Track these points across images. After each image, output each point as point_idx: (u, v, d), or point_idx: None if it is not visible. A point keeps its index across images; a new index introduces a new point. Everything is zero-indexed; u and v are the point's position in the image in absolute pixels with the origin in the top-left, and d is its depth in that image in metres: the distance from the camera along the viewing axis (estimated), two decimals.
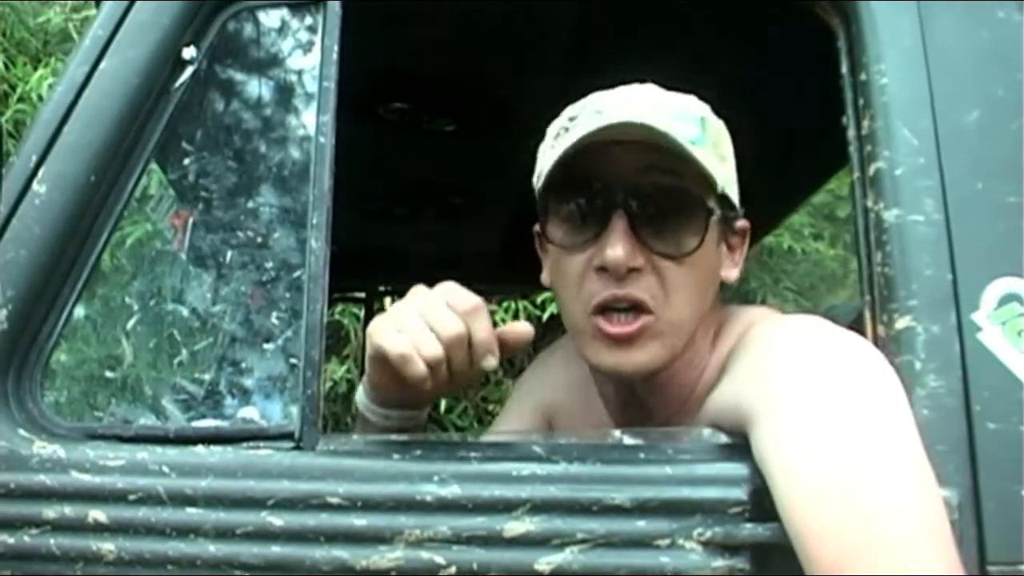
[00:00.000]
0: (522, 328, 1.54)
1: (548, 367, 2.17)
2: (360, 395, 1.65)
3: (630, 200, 1.59)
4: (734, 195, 1.69)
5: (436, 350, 1.45)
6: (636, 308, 1.60)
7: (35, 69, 6.07)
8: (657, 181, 1.60)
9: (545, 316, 6.03)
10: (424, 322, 1.46)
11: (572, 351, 1.94)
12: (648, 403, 1.73)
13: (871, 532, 1.28)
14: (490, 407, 6.26)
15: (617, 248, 1.57)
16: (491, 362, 1.47)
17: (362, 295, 3.55)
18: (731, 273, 1.73)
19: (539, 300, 6.00)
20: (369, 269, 2.87)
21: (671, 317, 1.62)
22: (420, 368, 1.45)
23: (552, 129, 1.70)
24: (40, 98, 5.77)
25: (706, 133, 1.62)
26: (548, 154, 1.66)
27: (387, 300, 3.63)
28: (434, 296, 1.49)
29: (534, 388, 2.15)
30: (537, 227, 1.74)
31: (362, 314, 4.00)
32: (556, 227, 1.66)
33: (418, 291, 1.51)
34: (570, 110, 1.68)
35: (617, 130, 1.56)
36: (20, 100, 5.90)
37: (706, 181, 1.61)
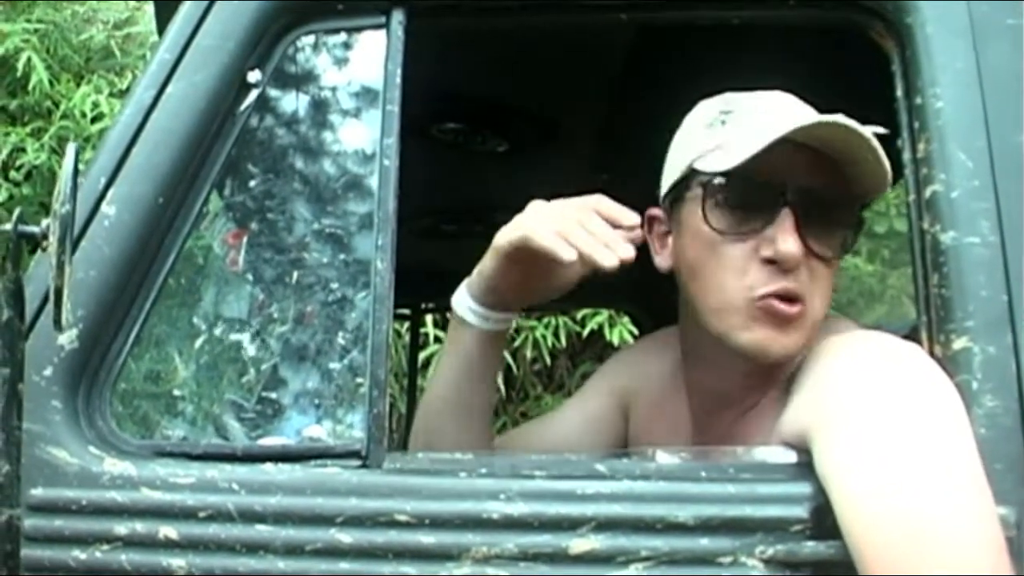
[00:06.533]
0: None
1: (632, 355, 2.26)
2: (461, 297, 1.82)
3: (798, 197, 1.64)
4: None
5: (587, 241, 1.62)
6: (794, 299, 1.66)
7: (78, 86, 6.09)
8: (825, 184, 1.66)
9: (585, 332, 6.03)
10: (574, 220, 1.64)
11: (658, 344, 2.05)
12: (736, 393, 1.77)
13: (922, 543, 1.32)
14: None
15: (791, 243, 1.62)
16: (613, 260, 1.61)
17: (407, 311, 3.56)
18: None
19: (579, 316, 6.00)
20: (414, 286, 2.89)
21: (812, 313, 1.67)
22: (571, 253, 1.62)
23: (699, 119, 1.76)
24: (83, 115, 5.80)
25: None
26: (701, 143, 1.72)
27: (429, 318, 3.62)
28: (576, 203, 1.67)
29: (614, 372, 2.20)
30: (654, 211, 1.82)
31: (404, 331, 4.00)
32: (716, 213, 1.69)
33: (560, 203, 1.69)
34: (719, 103, 1.75)
35: (822, 128, 1.61)
36: (63, 117, 5.92)
37: (857, 194, 1.69)
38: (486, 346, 1.84)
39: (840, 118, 1.61)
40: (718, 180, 1.68)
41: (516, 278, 1.75)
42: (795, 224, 1.63)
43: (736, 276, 1.67)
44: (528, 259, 1.69)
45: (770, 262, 1.64)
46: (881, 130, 1.64)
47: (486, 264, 1.77)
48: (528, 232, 1.66)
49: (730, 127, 1.69)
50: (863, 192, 1.69)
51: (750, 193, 1.67)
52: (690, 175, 1.73)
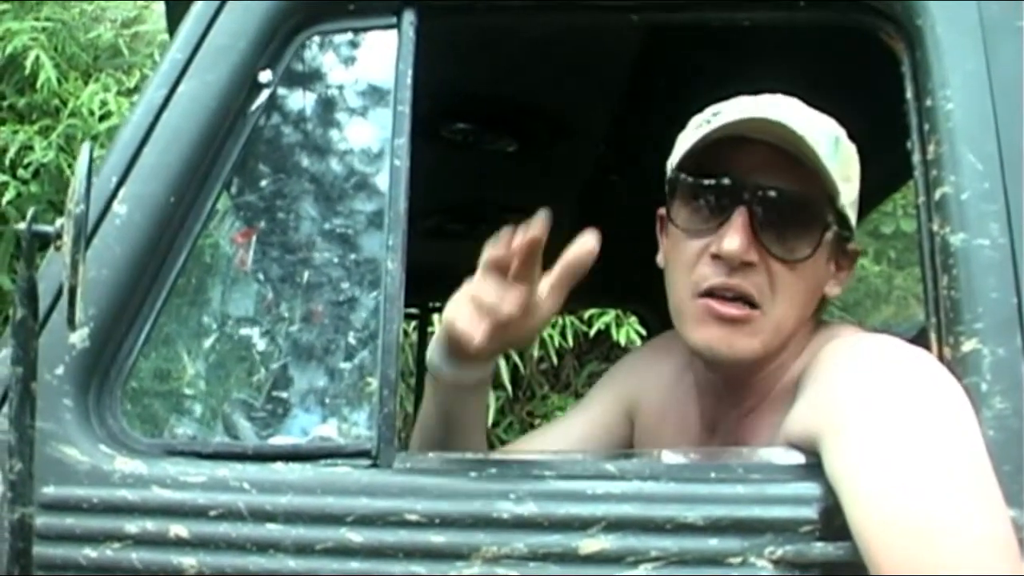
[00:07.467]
0: (580, 246, 1.57)
1: (638, 359, 2.24)
2: (432, 351, 1.75)
3: (755, 197, 1.65)
4: (852, 217, 1.74)
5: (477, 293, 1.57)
6: (742, 299, 1.65)
7: (86, 84, 6.10)
8: (783, 184, 1.65)
9: (592, 332, 6.02)
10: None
11: (664, 346, 2.05)
12: (733, 395, 1.77)
13: (934, 544, 1.31)
14: (536, 421, 6.29)
15: (735, 239, 1.62)
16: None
17: (415, 311, 3.57)
18: (834, 290, 1.78)
19: (586, 316, 6.00)
20: (421, 286, 2.92)
21: (774, 317, 1.67)
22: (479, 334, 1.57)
23: (694, 121, 1.75)
24: (91, 113, 5.81)
25: (838, 152, 1.67)
26: (686, 143, 1.72)
27: (436, 317, 3.60)
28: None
29: (619, 378, 2.19)
30: (662, 210, 1.80)
31: (411, 330, 4.01)
32: (681, 210, 1.72)
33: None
34: (715, 106, 1.73)
35: (755, 124, 1.62)
36: (71, 115, 5.93)
37: (827, 194, 1.67)
38: (465, 397, 1.79)
39: (769, 113, 1.62)
40: (682, 178, 1.71)
41: (456, 345, 1.67)
42: (748, 223, 1.63)
43: (686, 273, 1.69)
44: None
45: (717, 258, 1.65)
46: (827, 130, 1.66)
47: (440, 332, 1.73)
48: (447, 319, 1.63)
49: (712, 125, 1.68)
50: (830, 193, 1.68)
51: (709, 191, 1.68)
52: (671, 174, 1.75)
